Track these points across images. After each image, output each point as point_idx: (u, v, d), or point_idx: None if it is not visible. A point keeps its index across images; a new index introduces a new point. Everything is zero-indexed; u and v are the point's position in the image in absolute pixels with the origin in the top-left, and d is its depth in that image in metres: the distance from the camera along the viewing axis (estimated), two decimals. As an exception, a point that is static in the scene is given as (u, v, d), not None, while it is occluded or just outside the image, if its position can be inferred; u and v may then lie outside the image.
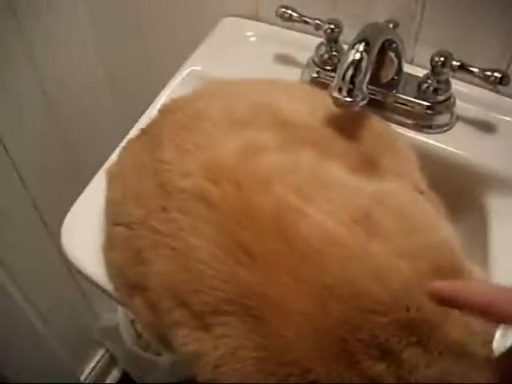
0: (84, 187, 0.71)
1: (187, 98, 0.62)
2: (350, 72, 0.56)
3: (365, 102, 0.58)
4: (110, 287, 0.61)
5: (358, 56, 0.55)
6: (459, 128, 0.70)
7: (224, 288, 0.47)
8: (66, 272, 1.20)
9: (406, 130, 0.70)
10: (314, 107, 0.60)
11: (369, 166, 0.58)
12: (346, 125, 0.61)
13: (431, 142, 0.69)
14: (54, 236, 1.13)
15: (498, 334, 0.54)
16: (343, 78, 0.56)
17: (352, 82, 0.56)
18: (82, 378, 1.38)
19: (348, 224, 0.49)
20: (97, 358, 1.41)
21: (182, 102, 0.61)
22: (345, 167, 0.55)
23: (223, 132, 0.55)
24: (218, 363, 0.48)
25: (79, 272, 0.67)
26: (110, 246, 0.59)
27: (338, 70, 0.57)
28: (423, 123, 0.70)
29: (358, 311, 0.46)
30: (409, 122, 0.70)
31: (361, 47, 0.56)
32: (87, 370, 1.40)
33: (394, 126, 0.69)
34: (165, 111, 0.62)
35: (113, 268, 0.59)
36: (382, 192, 0.53)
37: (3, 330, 1.09)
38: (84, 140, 1.05)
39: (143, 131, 0.62)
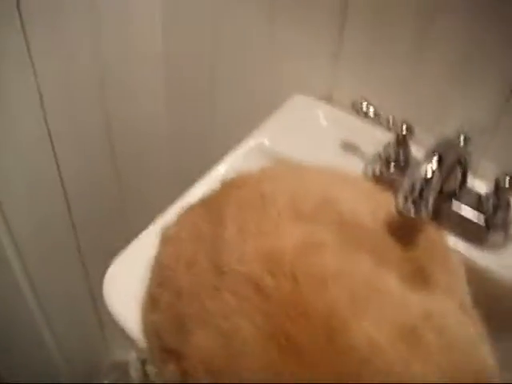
0: (129, 235, 0.72)
1: (254, 175, 0.63)
2: (419, 186, 0.57)
3: (428, 215, 0.58)
4: (142, 344, 0.61)
5: (430, 174, 0.56)
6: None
7: (261, 376, 0.48)
8: (89, 301, 1.21)
9: (457, 241, 0.70)
10: (375, 208, 0.61)
11: (420, 276, 0.58)
12: (404, 231, 0.61)
13: (483, 259, 0.69)
14: (88, 270, 1.14)
15: None
16: (412, 191, 0.57)
17: (420, 196, 0.57)
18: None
19: (394, 338, 0.49)
20: (101, 388, 1.41)
21: (248, 179, 0.63)
22: (398, 276, 0.55)
23: (287, 223, 0.56)
24: None
25: (118, 326, 0.67)
26: (153, 307, 0.60)
27: (408, 180, 0.58)
28: (477, 238, 0.70)
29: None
30: (462, 234, 0.70)
31: (434, 164, 0.57)
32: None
33: (447, 236, 0.69)
34: (229, 185, 0.63)
35: (151, 328, 0.60)
36: (431, 309, 0.53)
37: (14, 341, 1.10)
38: (136, 185, 1.07)
39: (205, 201, 0.63)
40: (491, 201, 0.69)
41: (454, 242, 0.70)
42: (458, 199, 0.71)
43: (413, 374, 0.47)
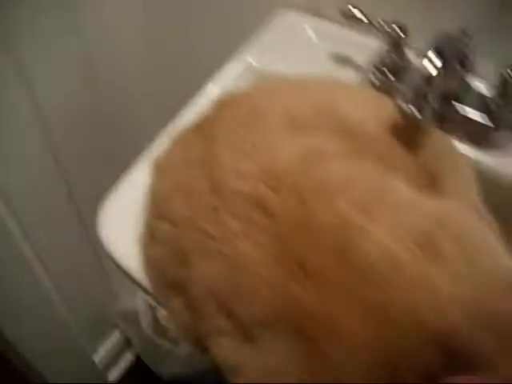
0: (118, 172, 0.69)
1: (245, 93, 0.59)
2: (421, 85, 0.53)
3: (431, 117, 0.55)
4: (145, 282, 0.59)
5: (433, 71, 0.52)
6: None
7: (274, 301, 0.45)
8: (91, 252, 1.19)
9: (464, 145, 0.67)
10: (378, 115, 0.57)
11: (430, 182, 0.55)
12: (410, 137, 0.58)
13: (493, 162, 0.66)
14: (83, 218, 1.12)
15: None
16: (413, 90, 0.53)
17: (425, 97, 0.53)
18: (96, 358, 1.38)
19: (412, 248, 0.46)
20: (112, 339, 1.40)
21: (239, 98, 0.59)
22: (407, 182, 0.52)
23: (284, 134, 0.52)
24: (257, 378, 0.46)
25: (115, 264, 0.65)
26: (152, 240, 0.57)
27: (408, 80, 0.54)
28: (484, 139, 0.67)
29: (415, 340, 0.43)
30: (469, 137, 0.67)
31: (436, 60, 0.53)
32: (101, 351, 1.39)
33: (453, 140, 0.66)
34: (220, 106, 0.59)
35: (152, 263, 0.57)
36: (445, 214, 0.50)
37: (20, 302, 1.09)
38: (122, 122, 1.03)
39: (197, 125, 0.60)
40: (495, 99, 0.66)
41: (461, 145, 0.67)
42: (461, 101, 0.67)
43: (435, 287, 0.45)
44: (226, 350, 0.47)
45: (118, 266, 0.64)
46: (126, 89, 1.03)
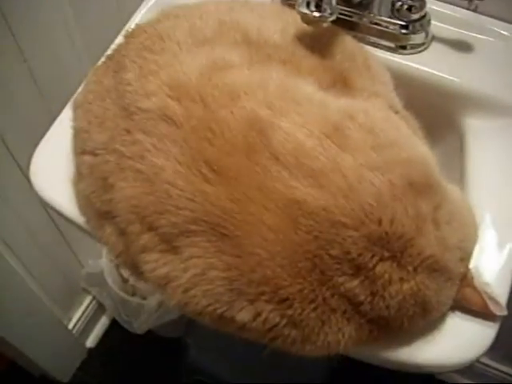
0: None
1: (151, 21, 0.60)
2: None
3: (334, 17, 0.56)
4: (81, 220, 0.60)
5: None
6: (435, 48, 0.69)
7: (190, 207, 0.46)
8: (48, 220, 1.18)
9: (380, 51, 0.68)
10: (284, 25, 0.58)
11: (341, 84, 0.56)
12: (318, 43, 0.59)
13: (406, 62, 0.67)
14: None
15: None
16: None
17: (329, 1, 0.54)
18: (70, 326, 1.39)
19: (319, 137, 0.48)
20: (84, 305, 1.41)
21: (145, 26, 0.59)
22: (315, 85, 0.54)
23: (188, 51, 0.53)
24: (187, 286, 0.47)
25: (52, 209, 0.65)
26: (78, 176, 0.58)
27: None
28: (398, 44, 0.68)
29: (330, 226, 0.45)
30: (383, 43, 0.69)
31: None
32: (75, 318, 1.40)
33: (368, 47, 0.67)
34: (128, 35, 0.59)
35: (82, 198, 0.58)
36: (353, 108, 0.52)
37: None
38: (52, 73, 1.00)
39: (107, 57, 0.60)
40: (405, 3, 0.67)
41: (374, 50, 0.68)
42: (371, 9, 0.68)
43: (345, 170, 0.46)
44: (154, 265, 0.49)
45: (54, 210, 0.65)
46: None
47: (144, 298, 1.24)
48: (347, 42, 0.62)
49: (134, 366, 1.42)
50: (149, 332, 1.33)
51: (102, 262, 1.27)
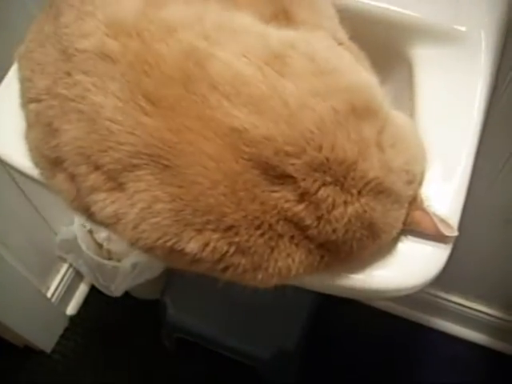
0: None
1: None
2: None
3: None
4: (35, 173, 0.60)
5: None
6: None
7: (131, 140, 0.46)
8: (16, 188, 1.18)
9: None
10: None
11: (283, 17, 0.56)
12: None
13: None
14: None
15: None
16: None
17: None
18: (49, 295, 1.39)
19: (259, 65, 0.48)
20: (61, 273, 1.42)
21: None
22: (255, 17, 0.53)
23: None
24: (136, 221, 0.48)
25: (9, 166, 0.65)
26: (27, 126, 0.57)
27: None
28: None
29: (272, 154, 0.45)
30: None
31: None
32: (53, 287, 1.41)
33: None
34: None
35: (33, 149, 0.58)
36: (295, 38, 0.52)
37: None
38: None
39: (48, 4, 0.59)
40: None
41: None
42: None
43: (285, 95, 0.46)
44: (102, 204, 0.49)
45: (12, 168, 0.64)
46: None
47: (119, 261, 1.25)
48: None
49: (115, 330, 1.44)
50: (128, 296, 1.35)
51: (74, 228, 1.27)
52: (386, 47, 0.68)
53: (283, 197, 0.46)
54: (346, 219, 0.47)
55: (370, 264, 0.54)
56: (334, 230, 0.48)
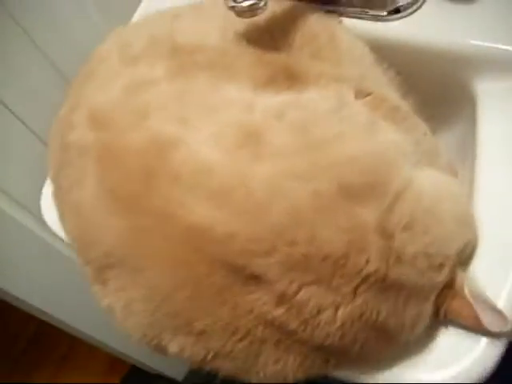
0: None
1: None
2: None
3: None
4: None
5: None
6: (428, 7, 0.57)
7: (103, 240, 0.45)
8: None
9: (358, 22, 0.58)
10: (226, 24, 0.53)
11: (284, 77, 0.49)
12: (268, 33, 0.53)
13: (396, 27, 0.57)
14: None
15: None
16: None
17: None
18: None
19: (229, 148, 0.42)
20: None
21: (96, 49, 0.57)
22: (250, 84, 0.48)
23: (116, 74, 0.51)
24: (122, 318, 0.46)
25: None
26: None
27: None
28: (379, 10, 0.58)
29: (236, 253, 0.40)
30: (370, 12, 0.59)
31: None
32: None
33: (351, 20, 0.58)
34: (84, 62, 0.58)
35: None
36: (286, 104, 0.45)
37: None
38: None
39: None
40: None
41: (355, 23, 0.58)
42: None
43: (255, 183, 0.40)
44: (97, 296, 0.48)
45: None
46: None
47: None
48: (309, 23, 0.54)
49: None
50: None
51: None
52: (449, 84, 0.57)
53: (259, 299, 0.40)
54: (338, 323, 0.40)
55: (399, 360, 0.45)
56: (328, 335, 0.40)
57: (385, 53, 0.56)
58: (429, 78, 0.57)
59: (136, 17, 0.69)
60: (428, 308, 0.42)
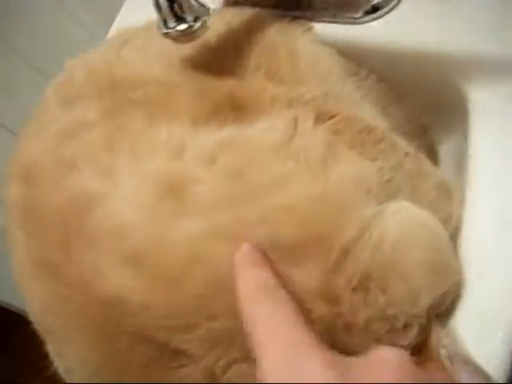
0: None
1: None
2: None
3: (202, 21, 0.43)
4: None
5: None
6: (407, 2, 0.49)
7: (33, 305, 0.41)
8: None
9: (340, 26, 0.51)
10: (171, 49, 0.47)
11: (228, 108, 0.43)
12: (216, 55, 0.47)
13: (375, 28, 0.49)
14: None
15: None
16: (159, 10, 0.43)
17: (171, 6, 0.42)
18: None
19: (148, 205, 0.37)
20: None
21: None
22: (190, 120, 0.42)
23: (51, 118, 0.47)
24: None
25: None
26: None
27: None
28: (353, 11, 0.50)
29: (156, 328, 0.35)
30: (341, 13, 0.51)
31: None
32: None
33: (323, 26, 0.51)
34: None
35: None
36: (221, 145, 0.40)
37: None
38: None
39: None
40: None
41: (327, 29, 0.51)
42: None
43: (172, 246, 0.35)
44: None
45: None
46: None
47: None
48: (268, 36, 0.48)
49: None
50: None
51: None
52: (440, 88, 0.49)
53: (188, 375, 0.35)
54: None
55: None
56: None
57: (363, 58, 0.49)
58: (418, 83, 0.49)
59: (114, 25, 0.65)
60: None
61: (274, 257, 0.34)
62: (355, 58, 0.49)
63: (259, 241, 0.34)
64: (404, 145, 0.45)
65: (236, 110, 0.43)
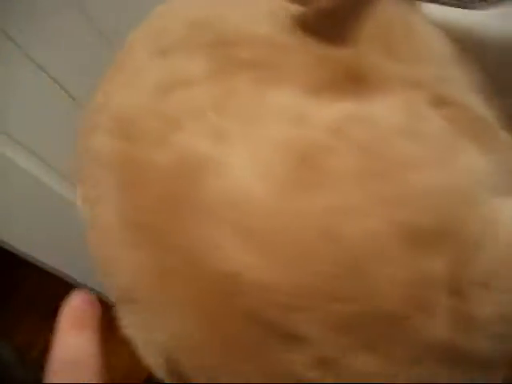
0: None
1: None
2: None
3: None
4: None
5: None
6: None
7: (125, 274, 0.38)
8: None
9: (442, 9, 0.49)
10: (275, 9, 0.44)
11: (352, 78, 0.41)
12: (326, 22, 0.44)
13: (484, 22, 0.47)
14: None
15: None
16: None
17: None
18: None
19: (274, 176, 0.34)
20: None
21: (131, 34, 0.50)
22: (302, 89, 0.39)
23: (145, 68, 0.43)
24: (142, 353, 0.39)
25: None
26: None
27: None
28: None
29: (274, 308, 0.32)
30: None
31: None
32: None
33: (429, 5, 0.49)
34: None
35: None
36: (344, 117, 0.37)
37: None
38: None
39: None
40: None
41: (440, 11, 0.49)
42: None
43: (301, 222, 0.33)
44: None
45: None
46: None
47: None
48: (385, 8, 0.45)
49: None
50: None
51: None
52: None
53: (297, 361, 0.33)
54: None
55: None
56: None
57: (470, 45, 0.47)
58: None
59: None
60: (497, 378, 0.35)
61: (404, 242, 0.32)
62: (462, 44, 0.47)
63: (389, 222, 0.32)
64: (509, 139, 0.44)
65: (354, 83, 0.40)
